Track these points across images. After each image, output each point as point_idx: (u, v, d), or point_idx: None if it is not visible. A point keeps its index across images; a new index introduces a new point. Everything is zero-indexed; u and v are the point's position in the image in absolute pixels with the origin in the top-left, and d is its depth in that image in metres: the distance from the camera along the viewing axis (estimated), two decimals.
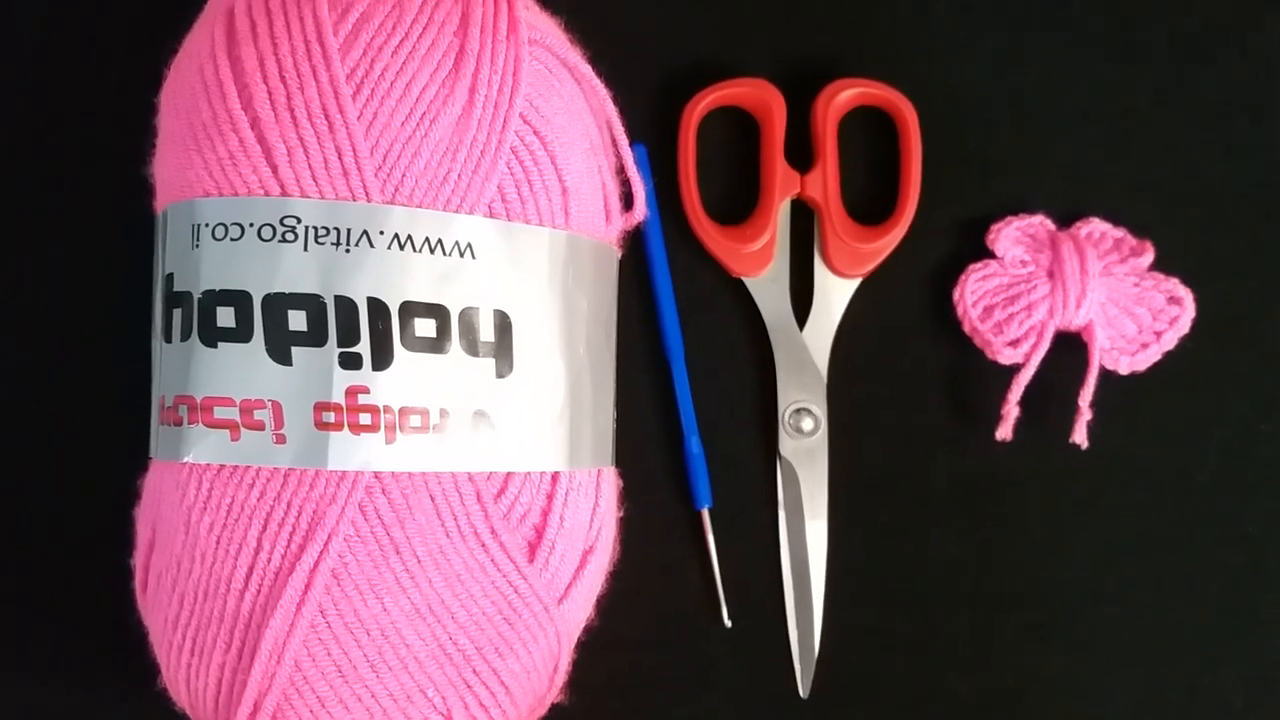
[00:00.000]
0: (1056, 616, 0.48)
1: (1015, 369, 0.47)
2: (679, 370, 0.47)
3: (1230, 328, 0.48)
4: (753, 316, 0.48)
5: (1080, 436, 0.46)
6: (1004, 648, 0.48)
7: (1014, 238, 0.47)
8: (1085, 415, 0.46)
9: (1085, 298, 0.46)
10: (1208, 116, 0.49)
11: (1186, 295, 0.47)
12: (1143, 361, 0.47)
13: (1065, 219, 0.48)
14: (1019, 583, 0.48)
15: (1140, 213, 0.48)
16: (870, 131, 0.49)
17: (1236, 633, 0.48)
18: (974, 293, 0.47)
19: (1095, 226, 0.47)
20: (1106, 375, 0.47)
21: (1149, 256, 0.47)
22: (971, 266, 0.47)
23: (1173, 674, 0.48)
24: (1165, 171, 0.49)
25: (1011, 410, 0.46)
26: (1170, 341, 0.46)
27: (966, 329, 0.47)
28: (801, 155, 0.48)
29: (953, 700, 0.48)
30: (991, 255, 0.47)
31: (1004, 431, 0.46)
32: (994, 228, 0.47)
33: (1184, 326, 0.46)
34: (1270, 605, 0.48)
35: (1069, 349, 0.47)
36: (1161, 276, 0.47)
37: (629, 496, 0.45)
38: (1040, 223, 0.47)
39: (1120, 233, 0.47)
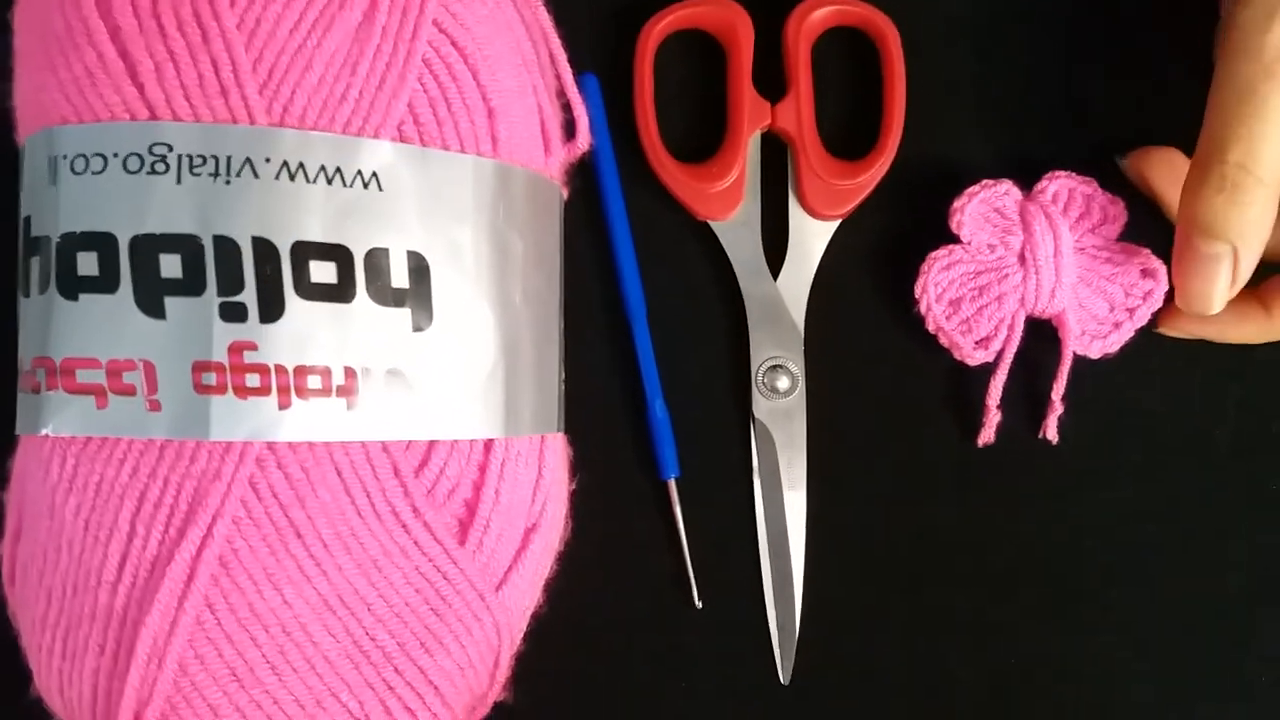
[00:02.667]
0: (1063, 591, 0.46)
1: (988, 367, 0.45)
2: (640, 325, 0.45)
3: None
4: (721, 264, 0.46)
5: (1052, 432, 0.45)
6: (1004, 626, 0.46)
7: (981, 215, 0.44)
8: (1058, 409, 0.45)
9: (1060, 284, 0.44)
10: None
11: (1160, 268, 0.44)
12: (1115, 343, 0.45)
13: (1056, 151, 0.46)
14: (1020, 555, 0.46)
15: (1139, 140, 0.46)
16: (848, 55, 0.47)
17: (1264, 603, 0.46)
18: (939, 285, 0.44)
19: (1062, 184, 0.45)
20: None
21: (1122, 220, 0.45)
22: (933, 255, 0.44)
23: (1193, 651, 0.46)
24: (1171, 109, 0.46)
25: (994, 416, 0.45)
26: (1144, 317, 0.44)
27: (930, 328, 0.45)
28: (772, 83, 0.46)
29: (949, 684, 0.46)
30: (955, 239, 0.45)
31: (987, 436, 0.45)
32: (956, 206, 0.44)
33: (1158, 301, 0.44)
34: None
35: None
36: (1134, 248, 0.45)
37: (586, 467, 0.43)
38: (1007, 192, 0.45)
39: (1090, 188, 0.45)
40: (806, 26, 0.45)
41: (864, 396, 0.47)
